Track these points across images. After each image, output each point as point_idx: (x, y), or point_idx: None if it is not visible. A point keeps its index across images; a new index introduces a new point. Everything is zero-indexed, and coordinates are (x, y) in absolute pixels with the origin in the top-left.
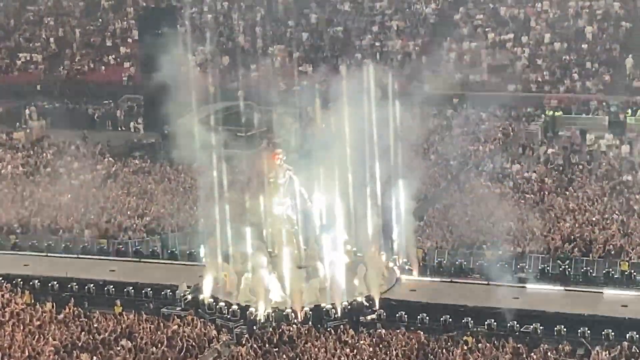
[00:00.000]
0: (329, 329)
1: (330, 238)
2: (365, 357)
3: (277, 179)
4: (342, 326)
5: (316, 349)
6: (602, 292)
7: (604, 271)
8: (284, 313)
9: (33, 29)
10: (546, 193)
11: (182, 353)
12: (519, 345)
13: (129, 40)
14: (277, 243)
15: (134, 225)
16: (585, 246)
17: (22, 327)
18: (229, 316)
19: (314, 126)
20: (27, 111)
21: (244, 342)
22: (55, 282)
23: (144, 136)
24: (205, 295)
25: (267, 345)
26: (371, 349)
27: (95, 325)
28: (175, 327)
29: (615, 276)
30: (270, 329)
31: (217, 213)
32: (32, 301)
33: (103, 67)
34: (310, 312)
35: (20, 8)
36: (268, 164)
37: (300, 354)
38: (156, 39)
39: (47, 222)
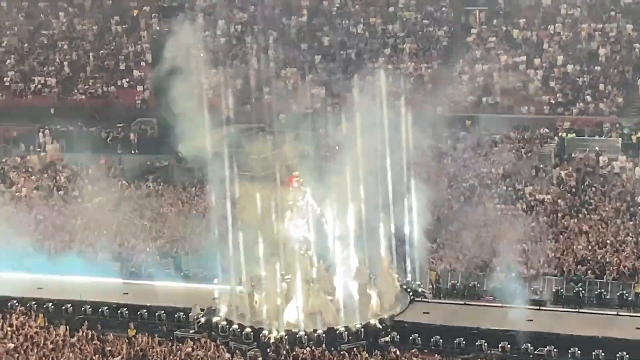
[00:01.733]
0: (342, 352)
1: (343, 260)
2: None
3: (296, 202)
4: (355, 349)
5: None
6: (616, 314)
7: (617, 293)
8: (297, 335)
9: (47, 53)
10: (559, 215)
11: None
12: None
13: (143, 63)
14: (292, 266)
15: (148, 248)
16: (599, 268)
17: (35, 350)
18: (242, 339)
19: (327, 148)
20: (41, 134)
21: None
22: (68, 305)
23: (157, 159)
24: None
25: None
26: None
27: (109, 348)
28: (189, 349)
29: (629, 298)
30: (284, 352)
31: (231, 235)
32: (46, 324)
33: (116, 91)
34: (324, 335)
35: (35, 32)
36: (286, 186)
37: None
38: (169, 61)
39: (61, 245)
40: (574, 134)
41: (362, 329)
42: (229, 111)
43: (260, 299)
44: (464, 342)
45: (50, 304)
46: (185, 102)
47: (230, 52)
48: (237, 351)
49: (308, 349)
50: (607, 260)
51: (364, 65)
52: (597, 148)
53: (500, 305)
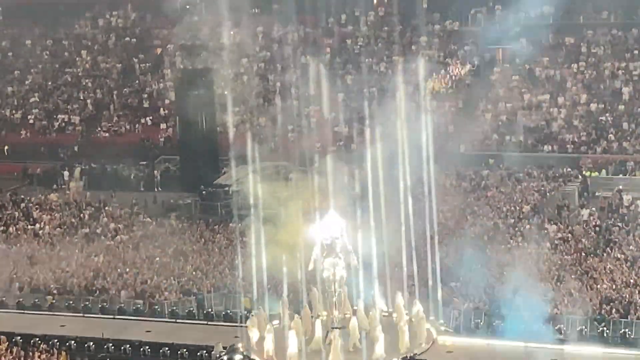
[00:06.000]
0: None
1: (372, 298)
2: None
3: (335, 240)
4: None
5: None
6: None
7: None
8: None
9: (71, 91)
10: (583, 254)
11: None
12: None
13: (166, 101)
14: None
15: (170, 285)
16: (623, 307)
17: None
18: None
19: (349, 188)
20: (65, 172)
21: None
22: (91, 343)
23: (180, 197)
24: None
25: None
26: None
27: None
28: None
29: None
30: None
31: (261, 273)
32: None
33: (140, 128)
34: None
35: (59, 70)
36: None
37: None
38: (193, 100)
39: (84, 282)
40: (597, 173)
41: None
42: (252, 149)
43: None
44: None
45: (73, 341)
46: (208, 140)
47: (253, 90)
48: None
49: None
50: (632, 299)
51: (386, 103)
52: (620, 187)
53: (523, 344)
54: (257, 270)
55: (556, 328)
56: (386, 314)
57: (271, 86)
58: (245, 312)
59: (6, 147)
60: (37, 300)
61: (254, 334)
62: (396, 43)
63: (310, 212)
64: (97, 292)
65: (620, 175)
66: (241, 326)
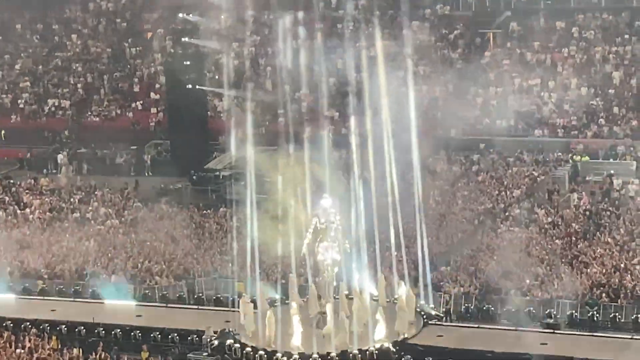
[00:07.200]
0: None
1: (360, 282)
2: None
3: (330, 224)
4: None
5: None
6: (630, 338)
7: (632, 317)
8: (311, 358)
9: (61, 75)
10: (574, 238)
11: None
12: None
13: (157, 86)
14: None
15: (161, 270)
16: (613, 292)
17: None
18: None
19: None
20: (57, 157)
21: None
22: (82, 328)
23: (171, 181)
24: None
25: None
26: None
27: None
28: None
29: None
30: None
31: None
32: (59, 346)
33: (131, 113)
34: (337, 358)
35: (49, 54)
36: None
37: None
38: (183, 84)
39: (74, 267)
40: (587, 157)
41: (376, 352)
42: (243, 133)
43: (274, 320)
44: None
45: (64, 326)
46: (199, 124)
47: (244, 74)
48: None
49: None
50: (622, 283)
51: (377, 88)
52: (611, 171)
53: (514, 328)
54: (249, 255)
55: (546, 312)
56: (376, 298)
57: (262, 70)
58: (237, 297)
59: (3, 132)
60: (27, 285)
61: (246, 318)
62: (387, 27)
63: (302, 196)
64: (88, 276)
65: (611, 160)
66: (232, 311)
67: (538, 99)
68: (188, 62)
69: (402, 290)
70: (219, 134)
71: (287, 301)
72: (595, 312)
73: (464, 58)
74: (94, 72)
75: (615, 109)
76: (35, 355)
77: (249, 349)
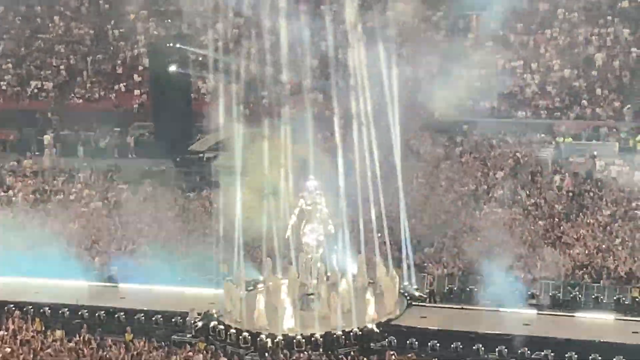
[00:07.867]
0: (340, 356)
1: (342, 264)
2: None
3: (316, 205)
4: (352, 353)
5: None
6: (613, 319)
7: (614, 298)
8: (295, 340)
9: (44, 57)
10: (557, 219)
11: None
12: None
13: (140, 68)
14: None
15: (145, 252)
16: (595, 272)
17: (32, 355)
18: (239, 343)
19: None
20: (43, 139)
21: None
22: (65, 310)
23: (155, 163)
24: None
25: None
26: None
27: (106, 354)
28: (187, 354)
29: (626, 302)
30: (282, 356)
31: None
32: (43, 329)
33: (114, 95)
34: (321, 339)
35: (31, 36)
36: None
37: None
38: (166, 66)
39: (58, 249)
40: (570, 139)
41: (360, 333)
42: (227, 115)
43: (258, 302)
44: (461, 347)
45: (47, 308)
46: (182, 106)
47: (227, 56)
48: (235, 356)
49: (305, 353)
50: (604, 264)
51: (361, 69)
52: (594, 152)
53: (497, 309)
54: (233, 236)
55: (529, 293)
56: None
57: (245, 52)
58: (222, 278)
59: None
60: (11, 266)
61: (230, 300)
62: (371, 9)
63: (286, 177)
64: (71, 258)
65: (594, 141)
66: (216, 292)
67: (521, 81)
68: (171, 44)
69: (381, 270)
70: (203, 116)
71: (270, 282)
72: (577, 293)
73: (448, 39)
74: (77, 54)
75: (598, 91)
76: (19, 337)
77: (233, 330)
